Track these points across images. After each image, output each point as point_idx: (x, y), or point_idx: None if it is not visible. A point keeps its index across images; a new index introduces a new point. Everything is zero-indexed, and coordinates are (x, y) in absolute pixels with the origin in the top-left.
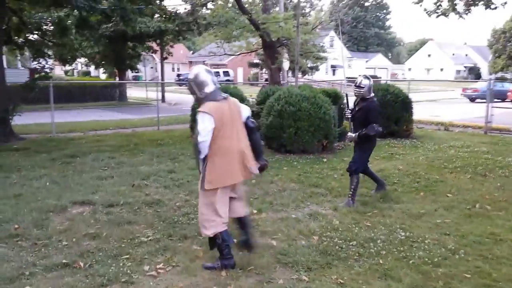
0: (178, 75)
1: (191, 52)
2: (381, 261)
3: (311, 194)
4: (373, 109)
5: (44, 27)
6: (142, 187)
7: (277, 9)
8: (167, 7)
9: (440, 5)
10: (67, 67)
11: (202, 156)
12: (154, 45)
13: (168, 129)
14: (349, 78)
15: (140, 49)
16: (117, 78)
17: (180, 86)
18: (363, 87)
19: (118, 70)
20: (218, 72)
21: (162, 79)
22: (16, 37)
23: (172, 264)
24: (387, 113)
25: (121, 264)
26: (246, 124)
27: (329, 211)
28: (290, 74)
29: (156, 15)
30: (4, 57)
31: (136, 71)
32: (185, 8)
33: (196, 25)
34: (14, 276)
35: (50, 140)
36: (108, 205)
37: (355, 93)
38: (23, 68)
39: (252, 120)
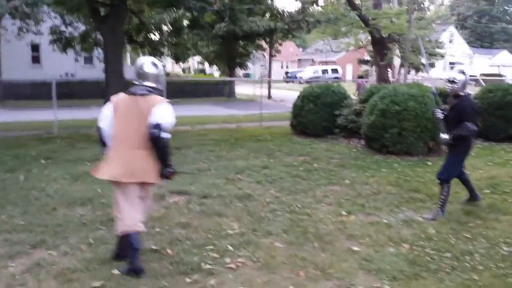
0: (286, 73)
1: (301, 49)
2: (475, 277)
3: (408, 199)
4: (467, 107)
5: (163, 27)
6: (236, 181)
7: (391, 4)
8: (276, 6)
9: None
10: (184, 65)
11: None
12: (263, 43)
13: (270, 125)
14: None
15: (250, 47)
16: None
17: (287, 83)
18: (457, 83)
19: (228, 68)
20: (326, 69)
21: (269, 76)
22: (136, 37)
23: (253, 259)
24: (506, 115)
25: (204, 254)
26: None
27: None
28: (402, 71)
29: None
30: (128, 55)
31: (245, 68)
32: (297, 7)
33: (305, 22)
34: (106, 258)
35: None
36: (202, 196)
37: (447, 89)
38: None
39: (155, 130)
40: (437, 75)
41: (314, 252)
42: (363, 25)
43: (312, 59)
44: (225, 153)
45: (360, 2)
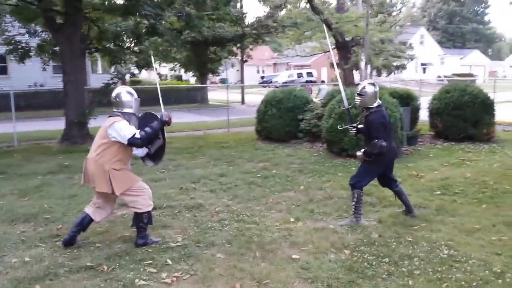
0: (262, 77)
1: (276, 54)
2: (410, 282)
3: None
4: (375, 121)
5: (123, 35)
6: (190, 191)
7: (356, 8)
8: (232, 13)
9: None
10: (161, 72)
11: None
12: (234, 48)
13: (238, 131)
14: (441, 76)
15: (221, 53)
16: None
17: (264, 87)
18: (363, 95)
19: (200, 74)
20: (301, 73)
21: (242, 81)
22: (97, 45)
23: (190, 273)
24: (464, 115)
25: (141, 270)
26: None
27: (372, 222)
28: (375, 73)
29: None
30: (89, 63)
31: (217, 74)
32: (264, 11)
33: (273, 27)
34: (40, 276)
35: None
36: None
37: (356, 101)
38: (103, 72)
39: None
40: (409, 77)
41: (254, 262)
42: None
43: (287, 63)
44: (185, 161)
45: (322, 7)
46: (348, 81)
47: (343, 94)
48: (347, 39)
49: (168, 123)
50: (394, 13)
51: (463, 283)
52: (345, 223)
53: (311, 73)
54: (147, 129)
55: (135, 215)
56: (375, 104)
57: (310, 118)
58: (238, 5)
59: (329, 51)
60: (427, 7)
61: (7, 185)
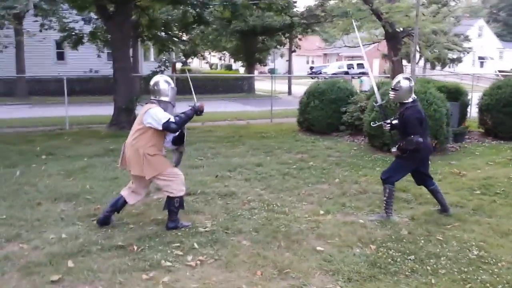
0: (311, 68)
1: (325, 44)
2: (433, 281)
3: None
4: (409, 117)
5: (172, 24)
6: (225, 179)
7: None
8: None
9: None
10: (212, 61)
11: None
12: (283, 38)
13: (280, 122)
14: (501, 71)
15: (270, 42)
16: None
17: (313, 79)
18: (398, 90)
19: (247, 64)
20: (352, 64)
21: (289, 72)
22: (147, 33)
23: (215, 257)
24: None
25: (168, 252)
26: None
27: (404, 219)
28: (429, 66)
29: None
30: (142, 51)
31: (264, 64)
32: (314, 0)
33: (322, 17)
34: (73, 252)
35: None
36: (186, 194)
37: (391, 96)
38: (155, 60)
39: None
40: (465, 71)
41: (278, 251)
42: (376, 20)
43: (338, 54)
44: (224, 150)
45: None
46: (398, 73)
47: (375, 89)
48: (397, 29)
49: (201, 111)
50: (452, 3)
51: (487, 285)
52: (375, 218)
53: (362, 64)
54: (182, 115)
55: (167, 199)
56: (410, 99)
57: (353, 111)
58: None
59: (378, 41)
60: None
61: (55, 166)
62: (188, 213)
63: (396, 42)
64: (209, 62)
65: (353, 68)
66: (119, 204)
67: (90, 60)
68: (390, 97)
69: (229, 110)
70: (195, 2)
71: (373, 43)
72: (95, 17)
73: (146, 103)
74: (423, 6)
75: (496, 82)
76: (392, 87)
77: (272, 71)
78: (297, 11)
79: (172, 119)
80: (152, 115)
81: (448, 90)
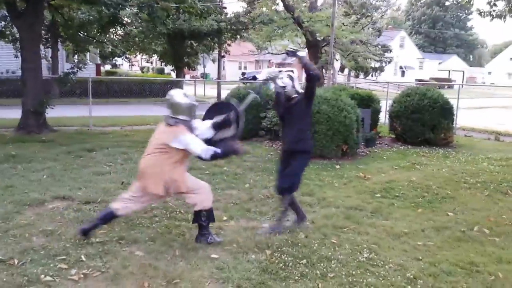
0: (243, 74)
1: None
2: (321, 285)
3: (298, 203)
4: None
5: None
6: (131, 185)
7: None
8: (197, 5)
9: (494, 4)
10: (144, 64)
11: None
12: (212, 43)
13: None
14: (420, 80)
15: (199, 47)
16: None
17: (244, 84)
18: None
19: (176, 68)
20: (282, 71)
21: (219, 77)
22: (62, 33)
23: (102, 270)
24: (422, 119)
25: (51, 265)
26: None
27: (305, 223)
28: (352, 74)
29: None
30: (64, 53)
31: (193, 68)
32: (242, 7)
33: (250, 24)
34: None
35: (81, 133)
36: (85, 202)
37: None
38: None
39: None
40: (385, 79)
41: (171, 261)
42: (298, 28)
43: (269, 61)
44: (137, 155)
45: (294, 4)
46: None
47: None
48: (318, 38)
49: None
50: (379, 15)
51: (372, 287)
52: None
53: (292, 71)
54: (221, 150)
55: (194, 212)
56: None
57: (272, 116)
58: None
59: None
60: (411, 11)
61: None
62: (83, 223)
63: (316, 51)
64: (139, 65)
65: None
66: (108, 218)
67: (6, 61)
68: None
69: (153, 114)
70: (109, 3)
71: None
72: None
73: (166, 123)
74: (343, 17)
75: (405, 90)
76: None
77: (205, 76)
78: (225, 17)
79: (210, 152)
80: (183, 143)
81: (361, 98)
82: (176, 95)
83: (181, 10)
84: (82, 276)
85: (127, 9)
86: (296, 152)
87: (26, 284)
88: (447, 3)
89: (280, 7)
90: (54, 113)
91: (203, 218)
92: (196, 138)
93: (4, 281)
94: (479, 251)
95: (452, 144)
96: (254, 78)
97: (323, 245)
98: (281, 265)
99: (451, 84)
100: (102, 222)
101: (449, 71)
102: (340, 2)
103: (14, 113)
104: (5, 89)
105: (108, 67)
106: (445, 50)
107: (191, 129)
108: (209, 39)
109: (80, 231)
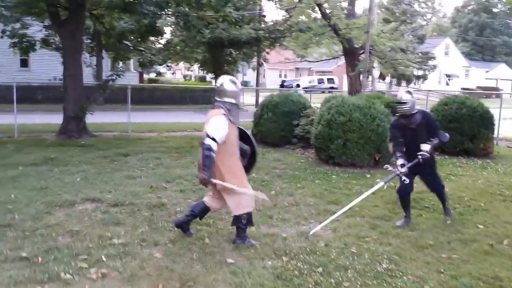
0: (283, 81)
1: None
2: None
3: (322, 211)
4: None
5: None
6: (160, 190)
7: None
8: (233, 14)
9: None
10: (186, 72)
11: None
12: (251, 51)
13: None
14: (465, 89)
15: (238, 55)
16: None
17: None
18: (407, 103)
19: (216, 75)
20: (322, 79)
21: (257, 85)
22: (104, 42)
23: (120, 270)
24: (461, 128)
25: (72, 264)
26: None
27: (328, 231)
28: (394, 82)
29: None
30: (108, 61)
31: (234, 76)
32: (282, 15)
33: (288, 31)
34: None
35: (119, 139)
36: (113, 205)
37: (399, 110)
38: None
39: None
40: (430, 88)
41: (188, 264)
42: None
43: (309, 68)
44: (169, 160)
45: (331, 11)
46: (355, 89)
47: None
48: (355, 46)
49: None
50: (424, 23)
51: None
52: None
53: (332, 79)
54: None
55: (234, 216)
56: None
57: (305, 124)
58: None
59: (337, 57)
60: (458, 18)
61: None
62: (108, 225)
63: (353, 58)
64: (182, 73)
65: (323, 82)
66: (198, 210)
67: (54, 68)
68: (399, 111)
69: (190, 121)
70: (146, 12)
71: (333, 58)
72: (43, 23)
73: (212, 107)
74: (382, 24)
75: (443, 98)
76: (399, 101)
77: (245, 83)
78: (264, 25)
79: (213, 144)
80: (209, 123)
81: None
82: (223, 80)
83: (219, 18)
84: (100, 275)
85: (167, 18)
86: None
87: (46, 281)
88: (495, 10)
89: (318, 14)
90: (96, 118)
91: (243, 221)
92: (219, 128)
93: (25, 277)
94: (506, 265)
95: (492, 155)
96: (298, 86)
97: (342, 254)
98: (296, 272)
99: (498, 93)
100: (194, 214)
101: (497, 80)
102: (382, 9)
103: (57, 119)
104: (50, 95)
105: (152, 75)
106: (493, 58)
107: (231, 110)
108: (248, 47)
109: (176, 223)
